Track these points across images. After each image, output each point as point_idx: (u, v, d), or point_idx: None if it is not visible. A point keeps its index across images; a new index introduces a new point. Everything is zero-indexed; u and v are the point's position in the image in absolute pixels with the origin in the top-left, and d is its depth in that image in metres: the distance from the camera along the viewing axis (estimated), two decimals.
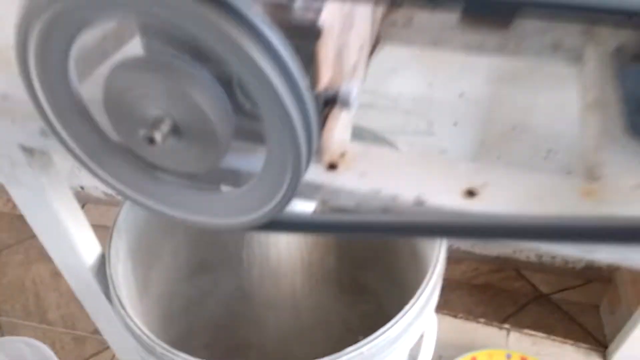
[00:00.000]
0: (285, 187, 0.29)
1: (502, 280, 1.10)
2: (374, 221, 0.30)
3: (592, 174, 0.32)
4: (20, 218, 0.49)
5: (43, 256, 1.26)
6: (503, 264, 1.10)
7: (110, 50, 0.43)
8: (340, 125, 0.34)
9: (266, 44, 0.23)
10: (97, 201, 1.31)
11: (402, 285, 0.63)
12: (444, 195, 0.31)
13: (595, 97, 0.36)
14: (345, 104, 0.31)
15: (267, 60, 0.23)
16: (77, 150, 0.33)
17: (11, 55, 0.28)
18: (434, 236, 0.51)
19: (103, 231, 0.54)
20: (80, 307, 0.63)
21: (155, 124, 0.28)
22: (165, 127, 0.28)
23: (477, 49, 0.44)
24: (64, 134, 0.32)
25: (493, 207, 0.30)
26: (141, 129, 0.28)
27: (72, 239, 0.50)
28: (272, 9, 0.27)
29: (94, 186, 1.28)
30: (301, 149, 0.27)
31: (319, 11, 0.27)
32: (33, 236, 0.51)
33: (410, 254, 0.64)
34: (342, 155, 0.34)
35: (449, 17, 0.45)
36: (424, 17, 0.46)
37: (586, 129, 0.35)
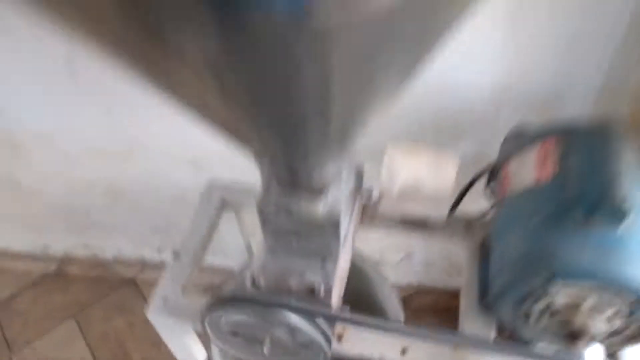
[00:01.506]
0: None
1: None
2: None
3: None
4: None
5: (119, 310, 1.62)
6: None
7: None
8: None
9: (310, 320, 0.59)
10: None
11: None
12: None
13: (465, 282, 0.72)
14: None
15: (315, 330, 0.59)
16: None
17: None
18: None
19: None
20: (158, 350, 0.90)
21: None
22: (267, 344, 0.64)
23: None
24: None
25: None
26: (253, 347, 0.65)
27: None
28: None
29: None
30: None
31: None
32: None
33: None
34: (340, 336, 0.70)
35: None
36: None
37: (460, 306, 0.71)
